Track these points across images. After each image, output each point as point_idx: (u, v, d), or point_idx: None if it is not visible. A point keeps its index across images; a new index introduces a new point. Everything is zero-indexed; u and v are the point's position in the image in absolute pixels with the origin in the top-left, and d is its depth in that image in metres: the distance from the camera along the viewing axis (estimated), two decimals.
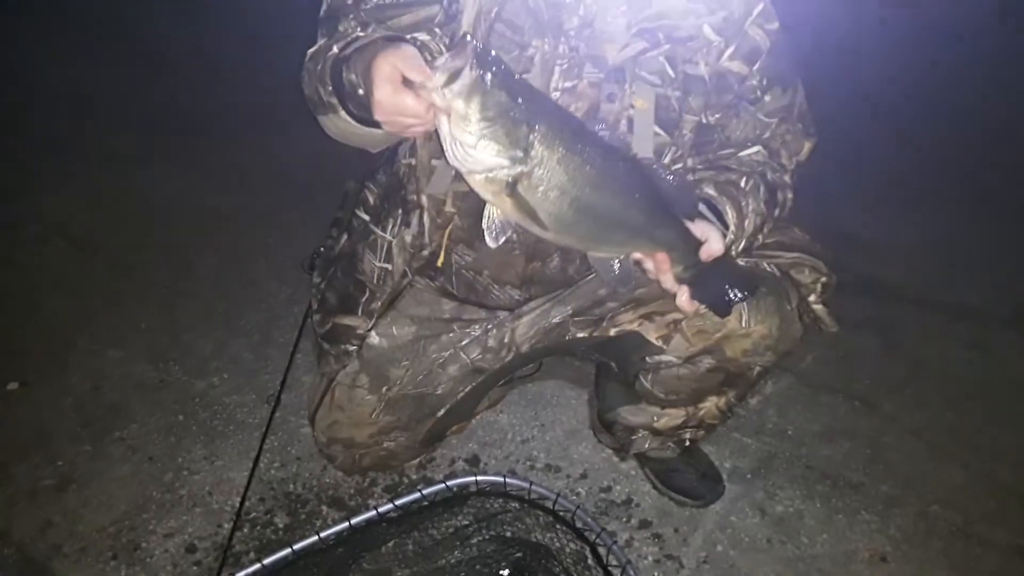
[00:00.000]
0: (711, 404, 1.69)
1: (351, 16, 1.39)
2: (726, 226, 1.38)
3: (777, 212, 1.51)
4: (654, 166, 1.25)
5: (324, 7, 1.45)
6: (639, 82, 1.38)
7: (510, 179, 1.06)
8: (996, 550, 1.78)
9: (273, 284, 2.52)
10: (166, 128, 3.40)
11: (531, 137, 1.05)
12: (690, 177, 1.48)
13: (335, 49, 1.28)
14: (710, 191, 1.41)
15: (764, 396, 2.18)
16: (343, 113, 1.27)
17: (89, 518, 1.74)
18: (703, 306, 1.32)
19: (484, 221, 1.12)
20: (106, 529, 1.72)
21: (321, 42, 1.38)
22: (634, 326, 1.56)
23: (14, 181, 2.94)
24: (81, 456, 1.89)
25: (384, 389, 1.69)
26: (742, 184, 1.44)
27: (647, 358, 1.60)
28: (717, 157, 1.52)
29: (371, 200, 1.69)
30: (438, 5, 1.36)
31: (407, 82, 1.08)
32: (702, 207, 1.37)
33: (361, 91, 1.19)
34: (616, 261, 1.24)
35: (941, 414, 2.17)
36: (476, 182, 1.09)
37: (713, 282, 1.29)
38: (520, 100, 1.03)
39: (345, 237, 1.74)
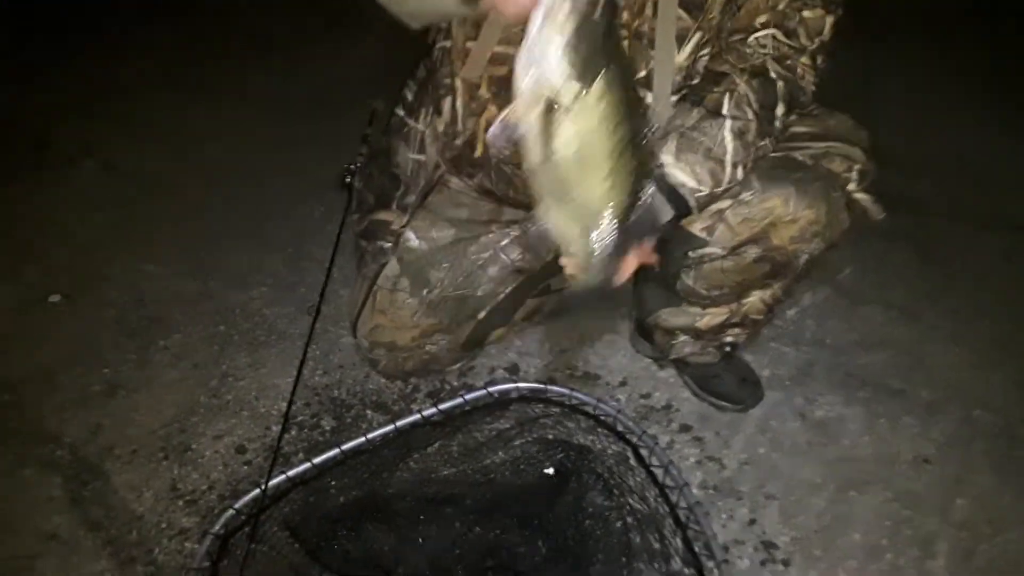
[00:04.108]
0: (756, 298, 1.67)
1: None
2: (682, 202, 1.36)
3: (782, 108, 1.43)
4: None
5: None
6: None
7: (553, 101, 1.05)
8: None
9: (306, 202, 2.51)
10: (186, 55, 3.35)
11: (596, 82, 1.03)
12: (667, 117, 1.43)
13: None
14: (669, 160, 1.36)
15: (802, 307, 2.16)
16: None
17: (139, 421, 1.77)
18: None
19: (501, 115, 1.11)
20: (156, 432, 1.75)
21: None
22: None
23: (39, 106, 2.92)
24: (127, 364, 1.92)
25: (425, 292, 1.69)
26: (724, 104, 1.37)
27: (690, 252, 1.58)
28: (728, 44, 1.45)
29: (409, 97, 1.67)
30: None
31: None
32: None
33: None
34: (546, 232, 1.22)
35: (979, 322, 2.14)
36: (526, 82, 1.06)
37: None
38: (608, 41, 1.03)
39: (384, 139, 1.73)
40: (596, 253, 1.20)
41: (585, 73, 1.02)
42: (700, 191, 1.36)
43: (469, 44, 1.45)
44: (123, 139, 2.80)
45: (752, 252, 1.53)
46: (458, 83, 1.51)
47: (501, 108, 1.50)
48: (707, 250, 1.56)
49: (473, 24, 1.44)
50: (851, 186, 1.52)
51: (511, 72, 1.44)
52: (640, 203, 1.21)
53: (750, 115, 1.38)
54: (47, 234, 2.34)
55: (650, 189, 1.29)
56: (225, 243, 2.34)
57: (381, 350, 1.76)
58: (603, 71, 1.03)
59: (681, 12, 1.38)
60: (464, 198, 1.70)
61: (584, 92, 1.03)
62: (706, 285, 1.62)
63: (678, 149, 1.36)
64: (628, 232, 1.22)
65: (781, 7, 1.42)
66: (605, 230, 1.18)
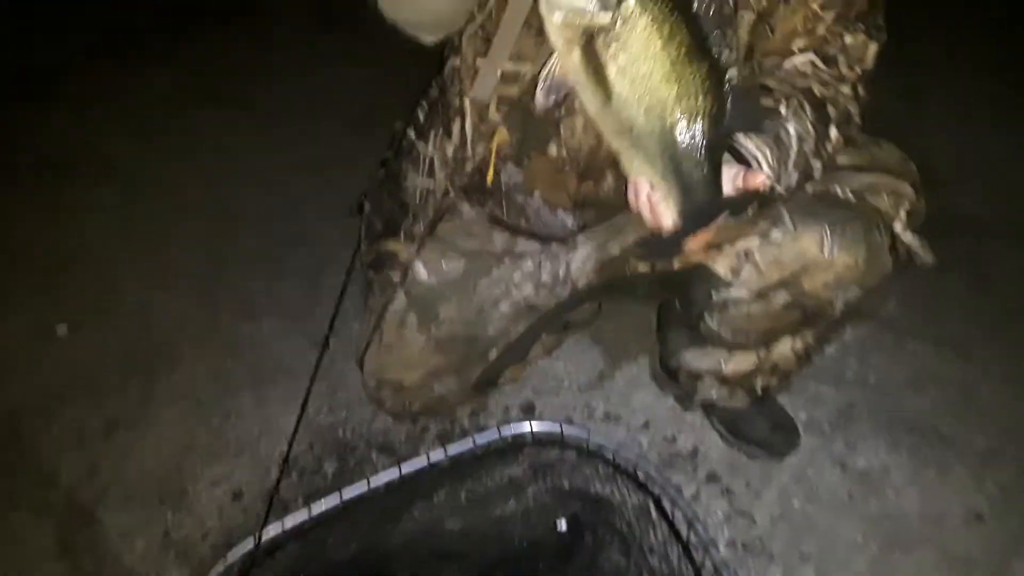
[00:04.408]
0: (786, 347, 1.54)
1: None
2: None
3: (834, 131, 1.31)
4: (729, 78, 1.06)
5: None
6: None
7: (590, 28, 0.93)
8: None
9: (322, 227, 2.43)
10: (211, 70, 3.30)
11: None
12: None
13: None
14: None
15: (843, 342, 2.01)
16: None
17: (136, 462, 1.71)
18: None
19: (542, 75, 1.00)
20: (153, 474, 1.68)
21: None
22: (700, 257, 1.42)
23: (62, 124, 2.89)
24: (129, 400, 1.86)
25: (433, 328, 1.59)
26: (782, 110, 1.25)
27: (713, 294, 1.46)
28: (760, 68, 1.34)
29: (421, 117, 1.57)
30: None
31: None
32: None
33: None
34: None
35: None
36: (553, 25, 0.96)
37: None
38: None
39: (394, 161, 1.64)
40: (695, 170, 1.04)
41: None
42: (769, 174, 1.20)
43: (479, 62, 1.34)
44: (143, 158, 2.74)
45: (781, 297, 1.40)
46: (467, 104, 1.41)
47: (512, 131, 1.41)
48: (732, 293, 1.43)
49: (483, 39, 1.33)
50: (897, 226, 1.38)
51: (523, 92, 1.36)
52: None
53: (808, 126, 1.25)
54: (63, 259, 2.29)
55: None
56: (239, 268, 2.27)
57: (387, 390, 1.66)
58: None
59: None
60: (476, 227, 1.60)
61: (618, 8, 0.92)
62: (731, 330, 1.49)
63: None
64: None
65: (820, 31, 1.30)
66: (697, 144, 1.02)
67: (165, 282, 2.20)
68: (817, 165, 1.30)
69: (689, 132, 1.01)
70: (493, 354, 1.64)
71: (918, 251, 1.41)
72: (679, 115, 1.00)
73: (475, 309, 1.59)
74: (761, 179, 1.11)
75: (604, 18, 0.92)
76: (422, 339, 1.60)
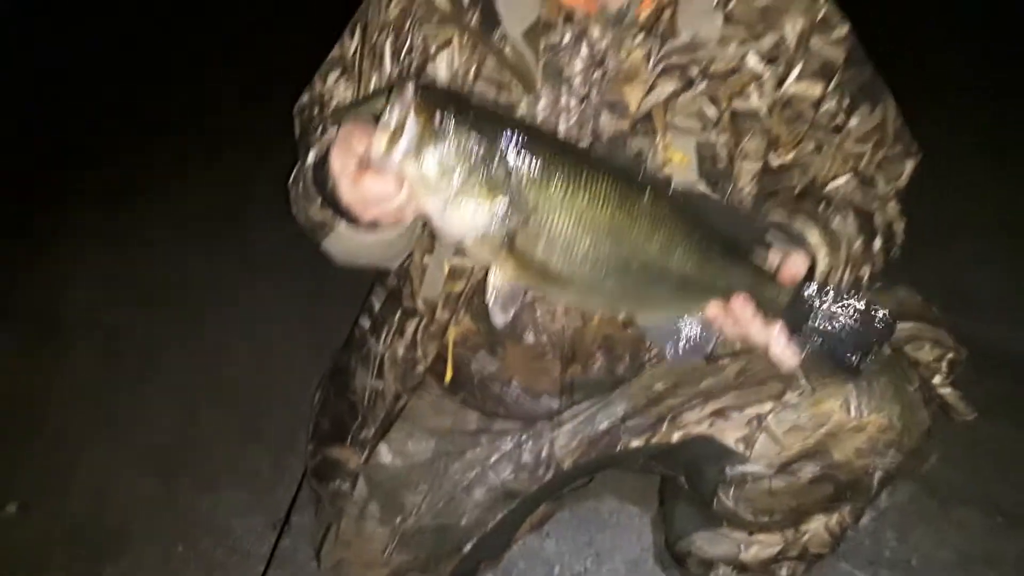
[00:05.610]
0: (818, 525, 1.31)
1: (319, 128, 1.20)
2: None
3: (879, 242, 1.19)
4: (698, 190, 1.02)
5: (296, 128, 1.30)
6: (673, 131, 1.09)
7: (504, 235, 0.84)
8: None
9: (308, 383, 2.26)
10: (208, 210, 3.23)
11: (514, 178, 0.83)
12: None
13: (310, 158, 1.09)
14: (779, 218, 1.11)
15: (879, 512, 1.76)
16: (343, 227, 1.04)
17: None
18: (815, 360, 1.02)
19: (487, 294, 0.90)
20: None
21: (298, 165, 1.19)
22: (703, 427, 1.24)
23: (51, 271, 2.79)
24: None
25: (398, 520, 1.40)
26: (819, 210, 1.15)
27: (726, 469, 1.25)
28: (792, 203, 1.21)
29: (376, 306, 1.45)
30: None
31: (366, 162, 0.86)
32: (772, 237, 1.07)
33: None
34: (677, 322, 0.98)
35: None
36: (468, 248, 0.88)
37: (823, 320, 0.98)
38: (488, 135, 0.82)
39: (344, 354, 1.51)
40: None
41: (491, 190, 0.82)
42: (823, 258, 1.09)
43: (426, 259, 1.25)
44: (129, 309, 2.59)
45: (808, 471, 1.20)
46: (419, 303, 1.30)
47: (478, 321, 1.27)
48: (748, 468, 1.23)
49: (430, 236, 1.24)
50: (937, 379, 1.22)
51: (470, 286, 1.21)
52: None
53: (851, 227, 1.14)
54: (30, 426, 2.12)
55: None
56: (209, 428, 2.08)
57: None
58: (512, 169, 0.83)
59: (703, 188, 1.12)
60: (448, 404, 1.44)
61: (511, 203, 0.84)
62: (751, 509, 1.28)
63: (791, 213, 1.11)
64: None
65: (862, 164, 1.22)
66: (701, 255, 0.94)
67: (129, 453, 2.00)
68: (866, 271, 1.18)
69: (679, 255, 0.93)
70: (467, 548, 1.43)
71: (957, 406, 1.24)
72: (657, 253, 0.91)
73: (446, 496, 1.41)
74: (800, 267, 0.98)
75: (511, 220, 0.84)
76: (385, 533, 1.41)
